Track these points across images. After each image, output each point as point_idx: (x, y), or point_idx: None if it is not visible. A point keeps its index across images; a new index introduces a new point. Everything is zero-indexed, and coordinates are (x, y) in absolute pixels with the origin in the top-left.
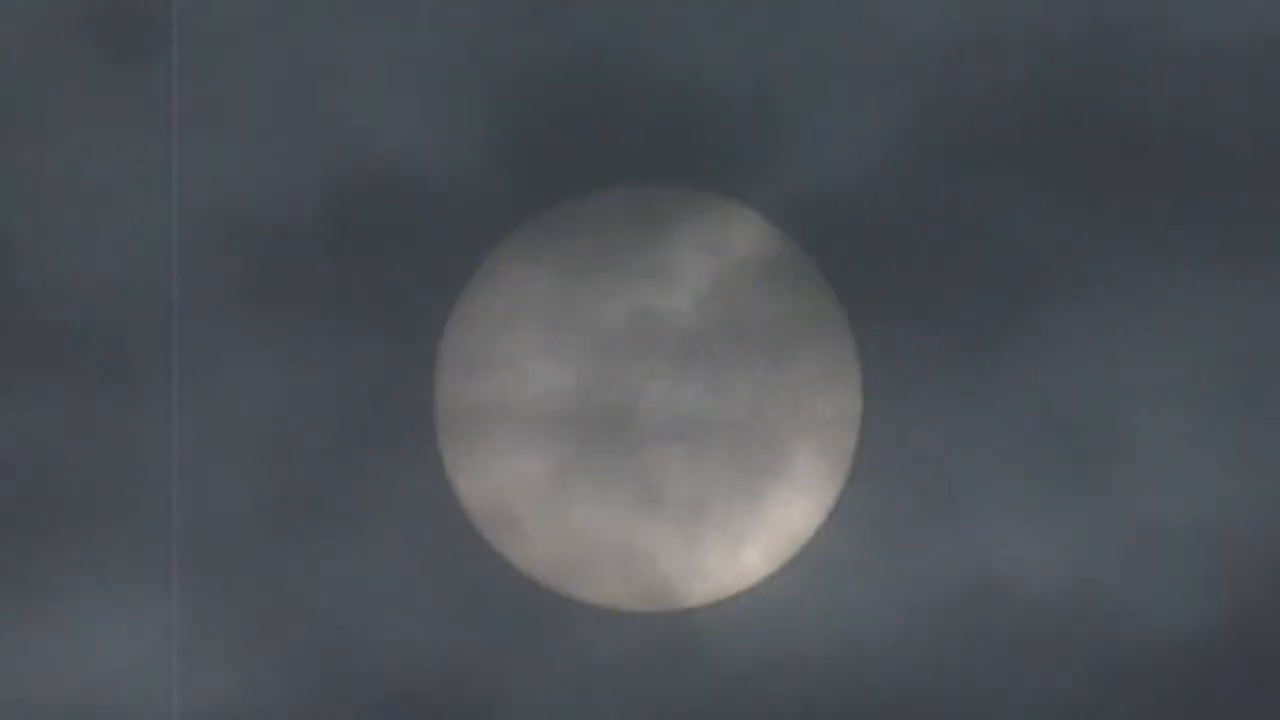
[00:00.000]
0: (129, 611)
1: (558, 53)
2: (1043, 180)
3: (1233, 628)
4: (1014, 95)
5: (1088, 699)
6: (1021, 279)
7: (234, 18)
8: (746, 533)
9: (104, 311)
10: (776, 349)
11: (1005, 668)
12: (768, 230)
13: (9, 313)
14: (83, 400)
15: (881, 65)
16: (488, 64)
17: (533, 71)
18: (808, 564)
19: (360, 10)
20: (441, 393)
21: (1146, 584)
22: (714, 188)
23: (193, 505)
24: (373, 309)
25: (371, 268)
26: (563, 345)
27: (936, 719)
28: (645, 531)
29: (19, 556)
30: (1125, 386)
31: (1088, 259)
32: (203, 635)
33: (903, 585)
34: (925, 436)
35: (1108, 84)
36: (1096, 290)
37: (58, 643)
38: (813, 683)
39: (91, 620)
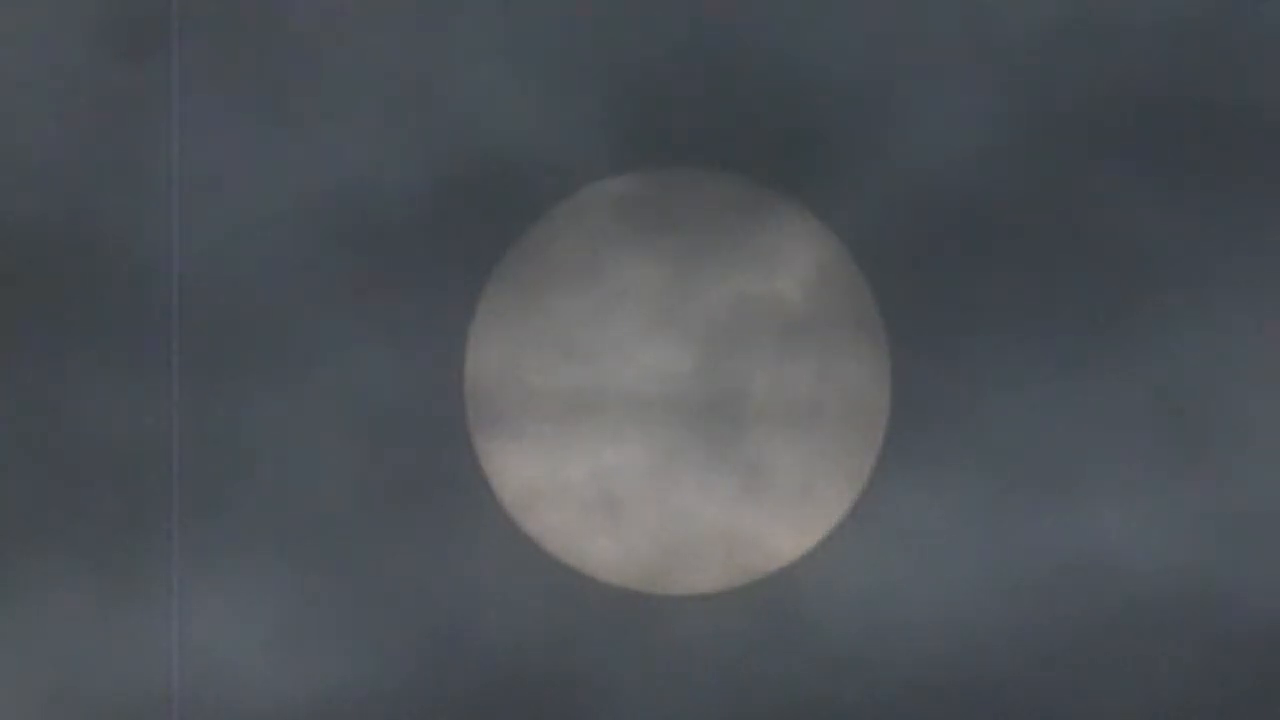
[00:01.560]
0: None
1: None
2: (1153, 167)
3: None
4: (1123, 82)
5: (1193, 682)
6: (1134, 264)
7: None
8: (849, 515)
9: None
10: (879, 334)
11: (1109, 649)
12: (863, 214)
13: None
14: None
15: (989, 52)
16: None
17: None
18: (913, 545)
19: None
20: (541, 376)
21: (1255, 568)
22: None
23: (300, 490)
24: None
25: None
26: (667, 330)
27: (1041, 699)
28: (751, 517)
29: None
30: (1236, 369)
31: (1199, 243)
32: (310, 619)
33: (1009, 566)
34: (1034, 419)
35: (1219, 68)
36: (1207, 274)
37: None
38: (916, 662)
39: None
